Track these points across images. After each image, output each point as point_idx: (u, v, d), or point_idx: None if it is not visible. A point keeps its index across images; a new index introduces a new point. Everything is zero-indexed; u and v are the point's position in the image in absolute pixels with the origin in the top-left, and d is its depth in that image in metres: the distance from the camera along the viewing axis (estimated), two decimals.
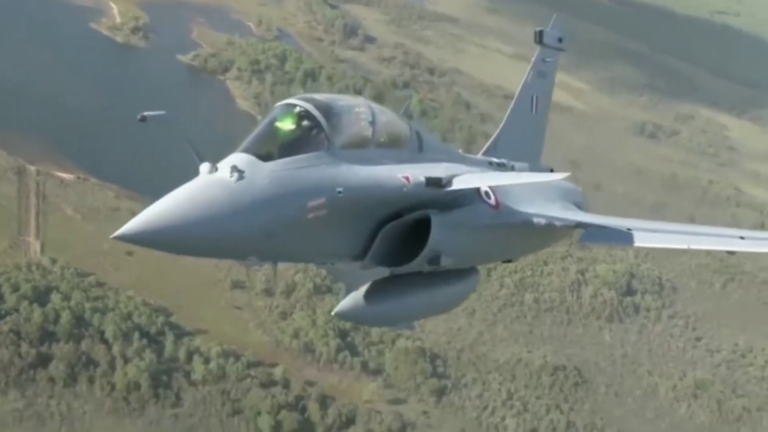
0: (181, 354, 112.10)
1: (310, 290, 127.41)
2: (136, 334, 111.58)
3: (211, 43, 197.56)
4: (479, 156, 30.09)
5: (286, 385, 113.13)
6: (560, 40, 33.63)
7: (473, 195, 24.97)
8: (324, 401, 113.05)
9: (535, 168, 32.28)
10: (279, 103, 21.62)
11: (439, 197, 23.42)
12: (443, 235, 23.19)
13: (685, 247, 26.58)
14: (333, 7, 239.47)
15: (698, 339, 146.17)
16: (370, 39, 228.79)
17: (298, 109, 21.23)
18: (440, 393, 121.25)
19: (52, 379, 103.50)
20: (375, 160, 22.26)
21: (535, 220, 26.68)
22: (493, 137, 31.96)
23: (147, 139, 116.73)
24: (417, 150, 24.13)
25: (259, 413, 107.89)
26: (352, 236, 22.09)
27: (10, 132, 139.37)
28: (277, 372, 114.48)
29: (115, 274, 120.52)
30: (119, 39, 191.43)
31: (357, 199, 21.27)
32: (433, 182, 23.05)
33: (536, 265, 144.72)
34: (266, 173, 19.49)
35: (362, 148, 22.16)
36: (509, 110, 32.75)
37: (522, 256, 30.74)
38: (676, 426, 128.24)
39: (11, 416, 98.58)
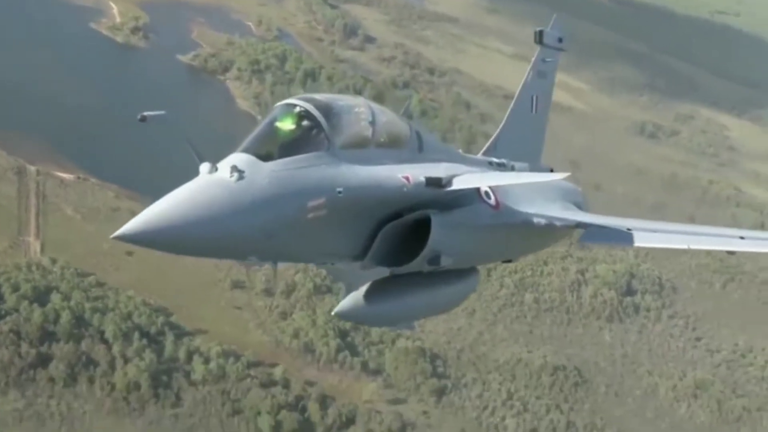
0: (181, 354, 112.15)
1: (310, 290, 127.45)
2: (136, 334, 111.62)
3: (211, 43, 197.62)
4: (479, 156, 30.06)
5: (286, 385, 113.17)
6: (560, 40, 33.59)
7: (473, 195, 24.93)
8: (324, 401, 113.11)
9: (535, 168, 32.25)
10: (279, 103, 21.58)
11: (439, 197, 23.39)
12: (443, 235, 23.16)
13: (685, 247, 26.57)
14: (333, 7, 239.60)
15: (698, 339, 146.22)
16: (370, 39, 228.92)
17: (298, 109, 21.20)
18: (440, 393, 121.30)
19: (52, 379, 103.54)
20: (375, 160, 22.23)
21: (535, 220, 26.66)
22: (493, 137, 31.93)
23: (147, 139, 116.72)
24: (417, 150, 24.10)
25: (259, 413, 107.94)
26: (352, 236, 22.07)
27: (10, 132, 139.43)
28: (277, 372, 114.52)
29: (115, 274, 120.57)
30: (119, 39, 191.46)
31: (357, 199, 21.24)
32: (433, 182, 23.01)
33: (536, 265, 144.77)
34: (266, 173, 19.46)
35: (362, 148, 22.13)
36: (509, 110, 32.72)
37: (522, 256, 30.72)
38: (676, 426, 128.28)
39: (11, 416, 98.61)
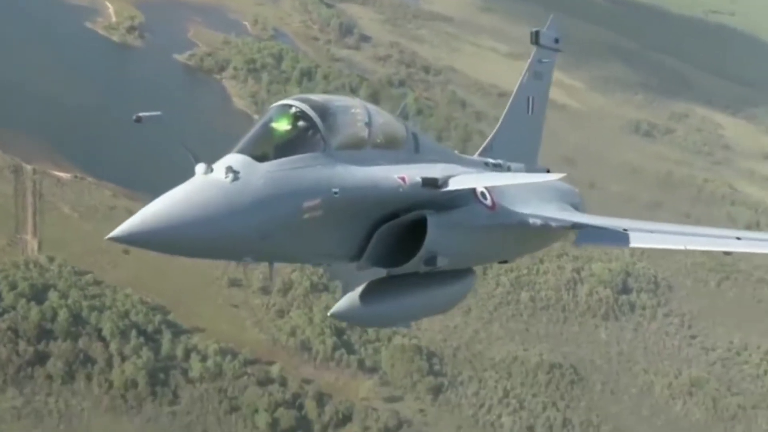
0: (179, 352, 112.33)
1: (307, 288, 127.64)
2: (134, 332, 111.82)
3: (208, 42, 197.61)
4: (475, 157, 29.99)
5: (283, 382, 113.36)
6: (557, 40, 33.40)
7: (469, 196, 24.89)
8: (321, 399, 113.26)
9: (532, 169, 32.16)
10: (275, 104, 21.50)
11: (435, 198, 23.37)
12: (439, 236, 23.12)
13: (681, 247, 26.69)
14: (328, 6, 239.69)
15: (693, 337, 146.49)
16: (365, 38, 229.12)
17: (293, 109, 21.09)
18: (437, 391, 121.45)
19: (49, 377, 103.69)
20: (371, 161, 22.14)
21: (531, 220, 26.59)
22: (489, 138, 31.87)
23: (143, 138, 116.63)
24: (413, 151, 24.06)
25: (256, 411, 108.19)
26: (348, 237, 21.98)
27: (7, 130, 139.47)
28: (274, 370, 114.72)
29: (112, 272, 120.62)
30: (115, 38, 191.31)
31: (353, 200, 21.18)
32: (430, 183, 23.03)
33: (532, 264, 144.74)
34: (262, 174, 19.38)
35: (358, 149, 22.04)
36: (505, 111, 32.61)
37: (518, 256, 30.54)
38: (671, 423, 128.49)
39: (9, 413, 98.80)
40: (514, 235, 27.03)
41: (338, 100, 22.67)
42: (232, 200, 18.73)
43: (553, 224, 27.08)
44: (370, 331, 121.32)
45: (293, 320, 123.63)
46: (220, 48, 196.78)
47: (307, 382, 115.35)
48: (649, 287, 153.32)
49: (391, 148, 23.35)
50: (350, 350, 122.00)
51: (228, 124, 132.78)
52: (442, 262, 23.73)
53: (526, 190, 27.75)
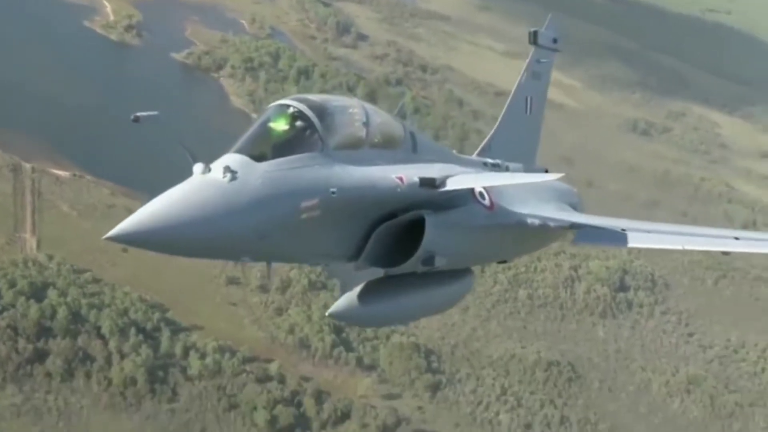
0: (178, 349, 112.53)
1: (305, 286, 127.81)
2: (133, 330, 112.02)
3: (205, 41, 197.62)
4: (474, 157, 29.98)
5: (282, 380, 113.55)
6: (555, 40, 33.29)
7: (467, 196, 24.83)
8: (319, 396, 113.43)
9: (530, 169, 32.11)
10: (272, 104, 21.44)
11: (433, 198, 23.34)
12: (437, 236, 23.06)
13: (679, 248, 26.77)
14: (326, 5, 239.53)
15: (691, 335, 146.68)
16: (362, 37, 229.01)
17: (291, 109, 21.03)
18: (435, 388, 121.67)
19: (49, 375, 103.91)
20: (369, 161, 22.08)
21: (529, 220, 26.56)
22: (487, 138, 31.83)
23: (142, 136, 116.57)
24: (411, 150, 24.01)
25: (255, 408, 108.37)
26: (345, 237, 21.92)
27: (5, 129, 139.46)
28: (273, 367, 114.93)
29: (111, 270, 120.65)
30: (113, 37, 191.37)
31: (351, 200, 21.13)
32: (427, 183, 23.00)
33: (530, 262, 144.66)
34: (259, 174, 19.35)
35: (356, 149, 21.99)
36: (503, 111, 32.57)
37: (517, 257, 30.65)
38: (669, 421, 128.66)
39: (9, 411, 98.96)
40: (512, 235, 27.02)
41: (336, 100, 22.63)
42: (229, 200, 18.74)
43: (552, 224, 27.10)
44: (369, 329, 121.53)
45: (292, 318, 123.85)
46: (218, 46, 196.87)
47: (306, 379, 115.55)
48: (646, 285, 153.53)
49: (388, 148, 23.30)
50: (349, 348, 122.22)
51: (225, 123, 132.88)
52: (440, 262, 23.66)
53: (525, 190, 27.72)
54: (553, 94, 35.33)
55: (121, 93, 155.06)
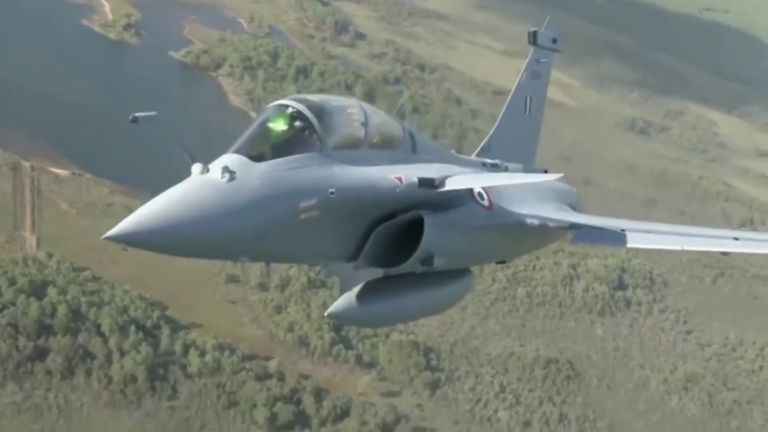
0: (177, 347, 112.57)
1: (305, 284, 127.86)
2: (132, 328, 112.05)
3: (204, 40, 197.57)
4: (473, 157, 29.98)
5: (281, 378, 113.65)
6: (554, 40, 33.27)
7: (466, 196, 24.81)
8: (319, 394, 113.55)
9: (529, 169, 32.10)
10: (271, 104, 21.47)
11: (432, 198, 23.29)
12: (436, 236, 23.03)
13: (678, 248, 26.81)
14: (324, 4, 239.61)
15: (689, 333, 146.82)
16: (360, 35, 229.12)
17: (290, 109, 21.04)
18: (434, 386, 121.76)
19: (49, 372, 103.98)
20: (368, 161, 22.06)
21: (528, 221, 26.50)
22: (486, 138, 31.80)
23: (141, 135, 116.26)
24: (410, 151, 24.00)
25: (254, 406, 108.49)
26: (344, 237, 21.91)
27: (5, 128, 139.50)
28: (272, 365, 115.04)
29: (110, 268, 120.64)
30: (112, 36, 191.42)
31: (349, 200, 21.13)
32: (426, 183, 22.92)
33: (528, 260, 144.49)
34: (258, 174, 19.36)
35: (355, 149, 21.98)
36: (503, 111, 32.55)
37: (516, 257, 30.51)
38: (667, 419, 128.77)
39: (9, 409, 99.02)
40: (511, 236, 27.00)
41: (335, 100, 22.62)
42: (228, 200, 18.78)
43: (551, 224, 27.06)
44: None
45: (291, 316, 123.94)
46: (216, 45, 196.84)
47: (305, 377, 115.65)
48: (644, 283, 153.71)
49: (387, 148, 23.30)
50: (348, 346, 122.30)
51: (224, 121, 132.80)
52: (438, 263, 23.63)
53: (524, 191, 27.69)
54: (551, 92, 35.43)
55: (120, 92, 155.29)
